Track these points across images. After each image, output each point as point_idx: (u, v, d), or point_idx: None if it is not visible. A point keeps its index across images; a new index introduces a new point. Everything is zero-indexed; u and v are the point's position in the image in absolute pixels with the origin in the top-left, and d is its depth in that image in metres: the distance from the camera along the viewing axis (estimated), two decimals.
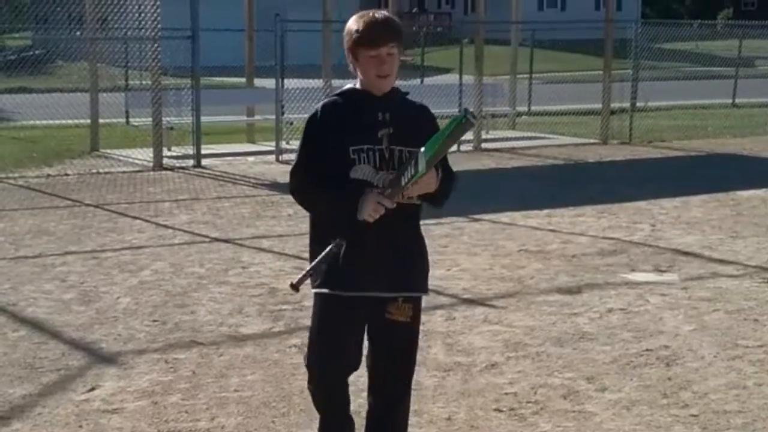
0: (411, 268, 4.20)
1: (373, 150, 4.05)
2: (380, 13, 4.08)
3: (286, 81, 16.63)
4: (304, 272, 4.06)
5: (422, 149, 3.88)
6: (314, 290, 4.18)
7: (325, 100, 4.22)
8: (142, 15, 15.76)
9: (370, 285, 4.11)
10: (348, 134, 4.06)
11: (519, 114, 22.12)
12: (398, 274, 4.15)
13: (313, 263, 4.06)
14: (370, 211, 3.95)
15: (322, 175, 4.09)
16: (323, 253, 4.03)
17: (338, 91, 4.23)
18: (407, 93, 4.29)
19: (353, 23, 4.04)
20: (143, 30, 15.90)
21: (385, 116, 4.09)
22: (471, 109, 3.94)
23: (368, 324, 4.23)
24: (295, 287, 4.05)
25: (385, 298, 4.15)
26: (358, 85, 4.17)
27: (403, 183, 3.95)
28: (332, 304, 4.15)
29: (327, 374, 4.27)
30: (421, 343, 6.51)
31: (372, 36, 4.01)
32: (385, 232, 4.05)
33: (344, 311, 4.15)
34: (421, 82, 25.00)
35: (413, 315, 4.21)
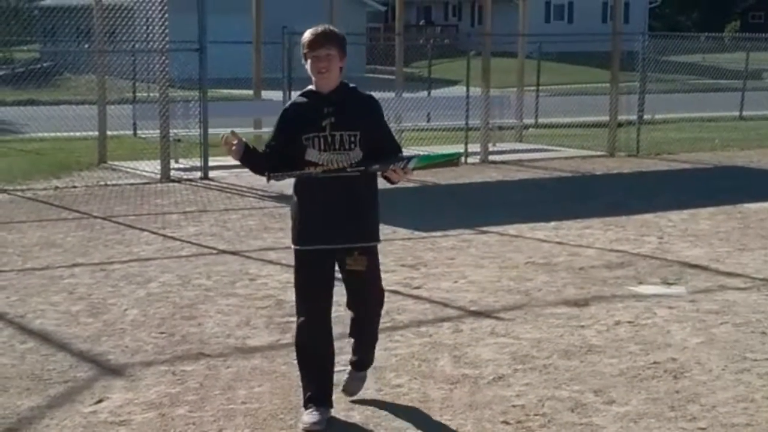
0: (361, 223, 5.35)
1: (318, 136, 5.26)
2: (323, 26, 5.37)
3: (293, 93, 16.63)
4: (284, 173, 5.29)
5: (419, 156, 5.26)
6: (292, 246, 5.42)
7: (291, 100, 5.54)
8: (150, 28, 15.79)
9: (326, 240, 5.30)
10: (301, 126, 5.31)
11: (526, 126, 22.14)
12: (348, 231, 5.29)
13: (294, 173, 5.28)
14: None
15: (275, 149, 5.38)
16: (301, 172, 5.26)
17: (300, 92, 5.47)
18: (355, 87, 5.43)
19: (305, 34, 5.31)
20: (151, 42, 15.93)
21: (329, 109, 5.27)
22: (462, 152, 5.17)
23: (340, 271, 5.41)
24: (269, 177, 5.32)
25: (342, 250, 5.31)
26: (314, 87, 5.38)
27: (390, 166, 5.22)
28: (301, 256, 5.39)
29: (303, 318, 5.43)
30: (428, 355, 6.57)
31: (312, 41, 5.26)
32: (337, 197, 5.27)
33: (310, 262, 5.36)
34: (428, 94, 25.01)
35: (368, 264, 5.36)
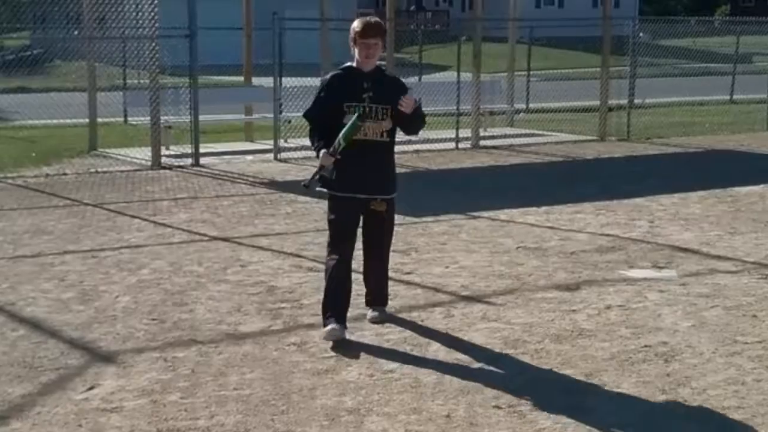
0: (384, 180, 6.71)
1: (359, 106, 6.49)
2: (374, 19, 6.63)
3: (284, 79, 16.61)
4: (312, 176, 6.54)
5: (341, 135, 6.38)
6: (328, 192, 6.68)
7: (333, 71, 6.73)
8: (140, 14, 15.72)
9: (358, 190, 6.60)
10: (344, 95, 6.54)
11: (517, 111, 22.12)
12: (375, 184, 6.64)
13: (315, 173, 6.53)
14: (322, 162, 6.47)
15: (318, 118, 6.67)
16: (318, 168, 6.50)
17: (341, 66, 6.71)
18: (385, 70, 6.92)
19: (356, 23, 6.54)
20: (141, 29, 15.87)
21: (368, 84, 6.53)
22: (361, 114, 6.43)
23: (362, 214, 6.69)
24: (306, 186, 6.59)
25: (368, 199, 6.63)
26: (354, 64, 6.62)
27: (332, 150, 6.43)
28: (336, 200, 6.67)
29: (336, 241, 6.70)
30: (420, 340, 6.59)
31: (364, 32, 6.50)
32: (368, 158, 6.57)
33: (343, 205, 6.64)
34: (419, 79, 24.97)
35: (387, 208, 6.72)
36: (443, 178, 14.63)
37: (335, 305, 6.58)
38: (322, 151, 6.48)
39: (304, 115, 6.83)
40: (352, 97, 6.48)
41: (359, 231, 6.84)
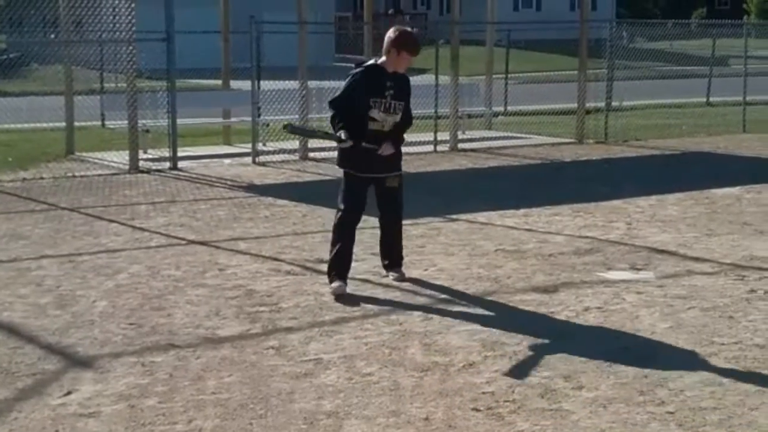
0: (397, 160, 7.93)
1: (381, 101, 7.67)
2: (418, 35, 7.81)
3: (262, 83, 16.60)
4: (305, 128, 7.81)
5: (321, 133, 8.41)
6: (343, 168, 7.90)
7: (360, 68, 7.77)
8: (117, 17, 15.68)
9: (373, 170, 7.80)
10: (369, 91, 7.63)
11: (495, 114, 22.14)
12: (390, 164, 7.87)
13: (316, 130, 8.47)
14: (341, 143, 7.71)
15: (346, 108, 7.68)
16: (328, 132, 8.00)
17: (366, 64, 7.91)
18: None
19: (404, 34, 7.70)
20: (118, 32, 15.82)
21: (390, 83, 7.69)
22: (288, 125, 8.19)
23: (375, 188, 7.92)
24: (288, 129, 8.15)
25: (384, 177, 7.85)
26: (379, 62, 7.79)
27: (345, 136, 7.69)
28: (353, 177, 7.82)
29: (348, 211, 7.82)
30: (398, 343, 6.60)
31: (415, 49, 7.75)
32: (382, 143, 7.69)
33: (357, 182, 7.83)
34: None
35: (399, 182, 7.98)
36: (421, 181, 14.63)
37: (340, 264, 7.78)
38: (343, 132, 7.63)
39: (330, 102, 7.84)
40: (377, 93, 7.62)
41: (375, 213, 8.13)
